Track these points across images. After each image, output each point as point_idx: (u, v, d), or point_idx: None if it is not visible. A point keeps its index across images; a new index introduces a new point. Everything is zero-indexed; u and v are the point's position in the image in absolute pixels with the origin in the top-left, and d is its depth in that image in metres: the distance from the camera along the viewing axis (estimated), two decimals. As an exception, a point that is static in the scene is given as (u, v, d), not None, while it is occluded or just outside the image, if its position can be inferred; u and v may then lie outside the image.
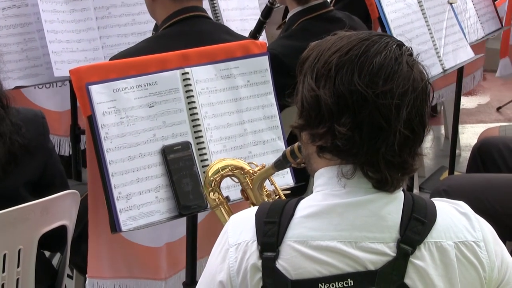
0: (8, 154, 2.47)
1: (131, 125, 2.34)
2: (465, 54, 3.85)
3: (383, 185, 1.71)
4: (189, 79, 2.44)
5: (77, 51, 3.54)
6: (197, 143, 2.44)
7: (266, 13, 3.69)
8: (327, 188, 1.73)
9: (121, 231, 2.29)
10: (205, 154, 2.45)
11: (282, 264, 1.68)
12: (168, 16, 2.91)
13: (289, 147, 2.01)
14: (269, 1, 3.68)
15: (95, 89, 2.29)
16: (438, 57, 3.67)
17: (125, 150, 2.32)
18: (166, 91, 2.40)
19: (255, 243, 1.71)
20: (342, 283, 1.67)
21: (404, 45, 1.72)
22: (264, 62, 2.59)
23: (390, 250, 1.69)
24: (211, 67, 2.50)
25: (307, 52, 1.78)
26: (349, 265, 1.68)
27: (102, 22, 3.60)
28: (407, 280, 1.69)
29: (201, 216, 2.62)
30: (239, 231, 1.74)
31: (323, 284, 1.67)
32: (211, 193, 2.17)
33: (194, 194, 2.40)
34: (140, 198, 2.33)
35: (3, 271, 2.45)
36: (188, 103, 2.44)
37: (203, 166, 2.43)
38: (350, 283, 1.68)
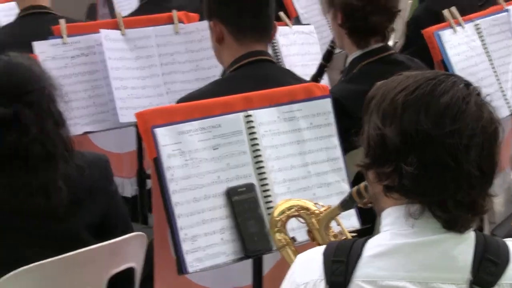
0: (72, 196, 2.52)
1: (195, 167, 2.36)
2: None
3: (452, 225, 1.69)
4: (252, 121, 2.47)
5: (142, 97, 3.60)
6: (261, 185, 2.46)
7: (327, 56, 3.71)
8: (395, 228, 1.72)
9: (187, 273, 2.31)
10: (270, 196, 2.46)
11: None
12: (234, 59, 2.95)
13: (355, 187, 2.01)
14: (329, 45, 3.70)
15: (160, 132, 2.33)
16: (505, 99, 3.64)
17: (191, 191, 2.35)
18: (230, 133, 2.43)
19: (323, 282, 1.70)
20: None
21: (472, 85, 1.71)
22: (326, 104, 2.60)
23: None
24: (274, 109, 2.52)
25: (372, 91, 1.79)
26: None
27: (166, 68, 3.67)
28: None
29: (267, 265, 2.61)
30: (306, 270, 1.74)
31: None
32: (277, 234, 2.18)
33: (259, 236, 2.40)
34: (206, 239, 2.35)
35: (71, 313, 2.48)
36: (252, 145, 2.46)
37: (267, 208, 2.44)
38: None
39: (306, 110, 2.56)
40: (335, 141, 2.61)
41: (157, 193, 2.36)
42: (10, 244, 2.53)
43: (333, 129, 2.60)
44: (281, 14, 4.12)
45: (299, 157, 2.54)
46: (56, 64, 3.46)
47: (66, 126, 2.61)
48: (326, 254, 1.74)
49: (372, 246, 1.72)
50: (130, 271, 2.62)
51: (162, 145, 2.33)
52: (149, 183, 3.91)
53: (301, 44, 4.19)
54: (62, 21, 3.52)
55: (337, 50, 3.74)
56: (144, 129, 2.32)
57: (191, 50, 3.71)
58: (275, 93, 2.55)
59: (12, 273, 2.36)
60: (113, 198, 2.69)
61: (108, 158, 2.73)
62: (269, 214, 2.41)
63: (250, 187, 2.43)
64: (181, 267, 2.30)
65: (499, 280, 1.67)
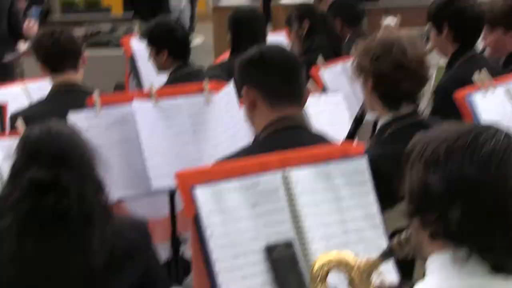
0: (110, 258, 2.54)
1: (234, 225, 2.39)
2: None
3: (501, 268, 1.69)
4: (289, 180, 2.49)
5: (175, 164, 3.65)
6: (300, 243, 2.47)
7: (356, 125, 3.77)
8: (442, 274, 1.73)
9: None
10: (309, 252, 2.47)
11: None
12: (267, 124, 3.00)
13: (396, 238, 2.02)
14: (358, 113, 3.75)
15: (200, 191, 2.36)
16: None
17: (230, 248, 2.37)
18: (268, 192, 2.46)
19: None
20: None
21: None
22: (362, 163, 2.63)
23: None
24: (310, 169, 2.55)
25: (412, 144, 1.82)
26: None
27: (200, 136, 3.72)
28: None
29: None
30: None
31: None
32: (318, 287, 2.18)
33: (299, 292, 2.41)
34: (246, 295, 2.36)
35: None
36: (290, 203, 2.49)
37: (307, 264, 2.44)
38: None
39: (342, 169, 2.59)
40: (372, 198, 2.62)
41: (196, 252, 2.38)
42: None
43: (369, 187, 2.62)
44: (309, 84, 4.20)
45: (337, 214, 2.56)
46: (90, 134, 3.52)
47: (105, 193, 2.65)
48: None
49: None
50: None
51: (201, 203, 2.35)
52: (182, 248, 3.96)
53: (330, 112, 4.25)
54: (96, 92, 3.60)
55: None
56: (183, 188, 2.36)
57: (222, 118, 3.76)
58: (311, 153, 2.59)
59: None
60: (152, 262, 2.71)
61: (147, 222, 2.76)
62: (309, 271, 2.41)
63: (289, 244, 2.45)
64: (223, 324, 2.30)
65: None
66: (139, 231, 2.70)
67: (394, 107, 3.45)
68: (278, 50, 3.14)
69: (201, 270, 2.38)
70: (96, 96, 3.57)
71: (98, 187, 2.63)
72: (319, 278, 2.15)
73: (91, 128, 3.56)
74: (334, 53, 5.94)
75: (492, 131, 1.71)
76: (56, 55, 4.34)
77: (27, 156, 2.55)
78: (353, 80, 5.14)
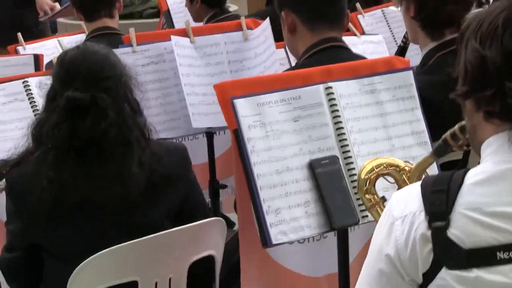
0: (149, 183, 2.47)
1: (276, 139, 2.29)
2: None
3: None
4: (333, 93, 2.39)
5: (213, 103, 3.53)
6: (345, 158, 2.37)
7: (400, 52, 3.63)
8: (497, 156, 1.62)
9: (272, 246, 2.22)
10: (353, 169, 2.36)
11: (454, 232, 1.56)
12: (308, 47, 2.90)
13: (449, 131, 1.91)
14: (402, 40, 3.62)
15: (240, 103, 2.27)
16: None
17: (272, 163, 2.28)
18: (310, 105, 2.36)
19: (423, 213, 1.60)
20: None
21: None
22: (409, 77, 2.52)
23: None
24: (354, 82, 2.44)
25: (466, 23, 1.70)
26: None
27: (236, 75, 3.61)
28: None
29: (352, 254, 2.50)
30: (404, 204, 1.64)
31: (501, 252, 1.54)
32: (366, 194, 2.08)
33: (345, 209, 2.31)
34: (289, 212, 2.26)
35: (155, 301, 2.41)
36: (333, 117, 2.38)
37: (352, 181, 2.34)
38: None
39: (388, 82, 2.48)
40: (419, 114, 2.51)
41: (238, 168, 2.29)
42: (89, 233, 2.48)
43: (416, 102, 2.51)
44: (350, 25, 4.07)
45: (383, 130, 2.45)
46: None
47: (143, 115, 2.58)
48: (424, 186, 1.64)
49: (474, 174, 1.61)
50: (210, 261, 2.55)
51: (242, 116, 2.26)
52: (222, 193, 3.86)
53: (370, 53, 4.11)
54: (131, 30, 3.52)
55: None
56: (223, 100, 2.27)
57: (260, 53, 3.65)
58: (355, 65, 2.49)
59: (87, 260, 2.31)
60: (192, 186, 2.65)
61: (186, 147, 2.69)
62: (354, 187, 2.32)
63: (333, 160, 2.35)
64: (265, 240, 2.22)
65: None
66: (179, 156, 2.63)
67: (438, 35, 3.32)
68: None
69: (243, 190, 2.29)
70: (132, 33, 3.48)
71: (136, 109, 2.57)
72: (367, 183, 2.06)
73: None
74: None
75: None
76: (91, 3, 4.28)
77: (64, 76, 2.49)
78: (393, 26, 5.03)
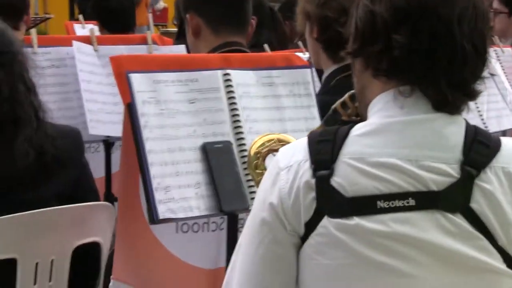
0: (39, 163, 2.41)
1: (171, 118, 2.27)
2: (509, 123, 3.80)
3: (443, 105, 1.61)
4: (230, 80, 2.39)
5: (113, 112, 3.51)
6: (238, 145, 2.36)
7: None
8: (383, 112, 1.64)
9: (158, 222, 2.18)
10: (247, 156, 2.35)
11: (337, 180, 1.56)
12: (210, 50, 2.90)
13: (338, 100, 1.93)
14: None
15: (135, 78, 2.25)
16: (482, 119, 3.63)
17: (165, 141, 2.25)
18: (207, 89, 2.35)
19: (308, 162, 1.60)
20: (402, 201, 1.55)
21: None
22: (306, 74, 2.55)
23: (453, 171, 1.57)
24: (252, 73, 2.45)
25: None
26: (410, 183, 1.55)
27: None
28: (473, 204, 1.56)
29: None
30: (290, 155, 1.64)
31: (382, 201, 1.55)
32: (256, 169, 2.07)
33: (235, 194, 2.29)
34: (179, 192, 2.23)
35: (35, 283, 2.32)
36: (230, 104, 2.38)
37: (244, 169, 2.33)
38: (412, 202, 1.54)
39: (285, 77, 2.50)
40: (315, 112, 2.54)
41: (127, 144, 2.25)
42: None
43: (312, 100, 2.54)
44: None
45: (278, 123, 2.46)
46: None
47: (37, 95, 2.53)
48: (310, 137, 1.65)
49: (360, 127, 1.63)
50: (95, 248, 2.48)
51: (137, 91, 2.24)
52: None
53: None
54: (33, 31, 3.48)
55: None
56: (118, 73, 2.25)
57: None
58: (254, 57, 2.51)
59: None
60: (84, 170, 2.59)
61: (80, 131, 2.64)
62: (246, 174, 2.31)
63: (226, 145, 2.34)
64: (152, 216, 2.17)
65: (491, 162, 1.58)
66: (72, 139, 2.58)
67: (339, 58, 3.37)
68: None
69: (130, 162, 2.25)
70: (33, 34, 3.43)
71: (31, 88, 2.52)
72: (258, 156, 2.05)
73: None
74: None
75: None
76: None
77: None
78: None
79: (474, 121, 3.54)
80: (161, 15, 13.73)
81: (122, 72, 2.24)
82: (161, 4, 11.40)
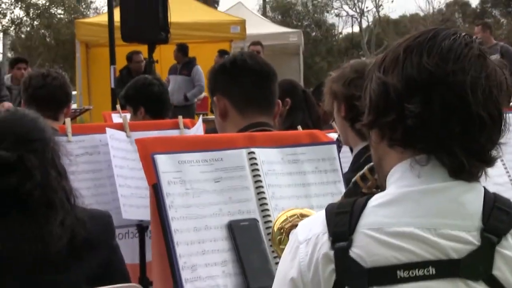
0: (70, 246, 2.45)
1: (196, 197, 2.28)
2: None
3: (460, 172, 1.61)
4: (255, 158, 2.41)
5: (146, 197, 3.53)
6: (265, 222, 2.36)
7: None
8: (401, 182, 1.64)
9: (186, 302, 2.17)
10: (273, 233, 2.35)
11: (356, 252, 1.56)
12: (238, 131, 2.93)
13: (358, 173, 1.94)
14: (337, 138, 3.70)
15: (160, 159, 2.27)
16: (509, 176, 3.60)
17: (191, 220, 2.25)
18: (232, 168, 2.37)
19: (326, 234, 1.60)
20: (423, 270, 1.54)
21: (474, 37, 1.69)
22: (332, 150, 2.55)
23: (473, 239, 1.56)
24: (277, 150, 2.47)
25: (373, 63, 1.77)
26: (429, 252, 1.55)
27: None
28: (495, 272, 1.54)
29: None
30: (308, 228, 1.65)
31: (401, 271, 1.54)
32: (280, 245, 2.07)
33: (262, 271, 2.28)
34: (206, 270, 2.22)
35: None
36: (255, 181, 2.39)
37: (271, 246, 2.33)
38: (432, 271, 1.53)
39: (311, 154, 2.51)
40: (341, 187, 2.53)
41: (155, 223, 2.27)
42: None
43: (339, 176, 2.54)
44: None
45: (304, 199, 2.46)
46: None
47: (68, 180, 2.60)
48: (328, 210, 1.65)
49: (377, 197, 1.63)
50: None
51: (162, 171, 2.26)
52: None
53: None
54: (67, 121, 3.55)
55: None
56: (144, 155, 2.27)
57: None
58: (278, 135, 2.53)
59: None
60: (114, 253, 2.64)
61: (111, 215, 2.69)
62: (273, 251, 2.30)
63: (253, 222, 2.34)
64: (179, 295, 2.16)
65: (511, 229, 1.57)
66: (103, 223, 2.64)
67: (368, 135, 3.39)
68: (250, 56, 3.10)
69: (160, 243, 2.25)
70: (67, 123, 3.51)
71: (62, 174, 2.59)
72: (282, 231, 2.05)
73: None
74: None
75: (453, 30, 1.67)
76: None
77: None
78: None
79: (502, 178, 3.50)
80: (202, 104, 13.95)
81: (147, 154, 2.27)
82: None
